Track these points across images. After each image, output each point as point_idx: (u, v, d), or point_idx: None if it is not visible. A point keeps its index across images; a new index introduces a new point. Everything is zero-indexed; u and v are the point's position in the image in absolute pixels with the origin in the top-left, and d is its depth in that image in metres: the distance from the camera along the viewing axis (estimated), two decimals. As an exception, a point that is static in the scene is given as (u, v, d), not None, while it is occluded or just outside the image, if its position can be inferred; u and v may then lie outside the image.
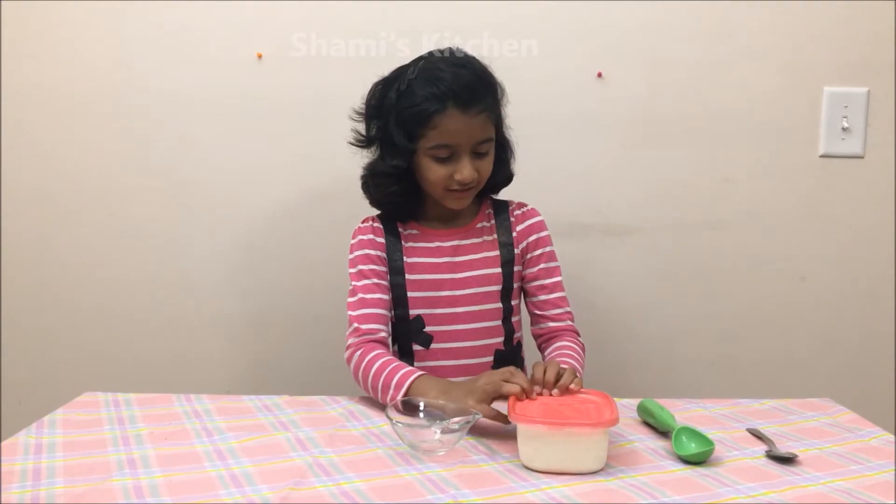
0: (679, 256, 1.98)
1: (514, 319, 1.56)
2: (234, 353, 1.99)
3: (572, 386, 1.23)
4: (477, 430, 1.25)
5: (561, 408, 1.16)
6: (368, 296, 1.47)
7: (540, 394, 1.22)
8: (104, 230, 1.94)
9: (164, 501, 0.99)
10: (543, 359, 1.53)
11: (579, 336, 1.56)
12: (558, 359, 1.44)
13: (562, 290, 1.58)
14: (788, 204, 1.96)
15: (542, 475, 1.09)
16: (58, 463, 1.11)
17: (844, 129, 1.94)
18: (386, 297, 1.50)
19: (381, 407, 1.34)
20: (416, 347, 1.52)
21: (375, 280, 1.49)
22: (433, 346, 1.51)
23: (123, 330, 1.97)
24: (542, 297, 1.57)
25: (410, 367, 1.36)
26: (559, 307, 1.57)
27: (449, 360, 1.50)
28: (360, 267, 1.51)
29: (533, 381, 1.24)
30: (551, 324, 1.56)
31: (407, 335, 1.52)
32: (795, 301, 1.99)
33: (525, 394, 1.20)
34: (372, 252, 1.51)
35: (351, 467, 1.11)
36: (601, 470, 1.10)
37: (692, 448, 1.16)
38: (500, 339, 1.54)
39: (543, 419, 1.11)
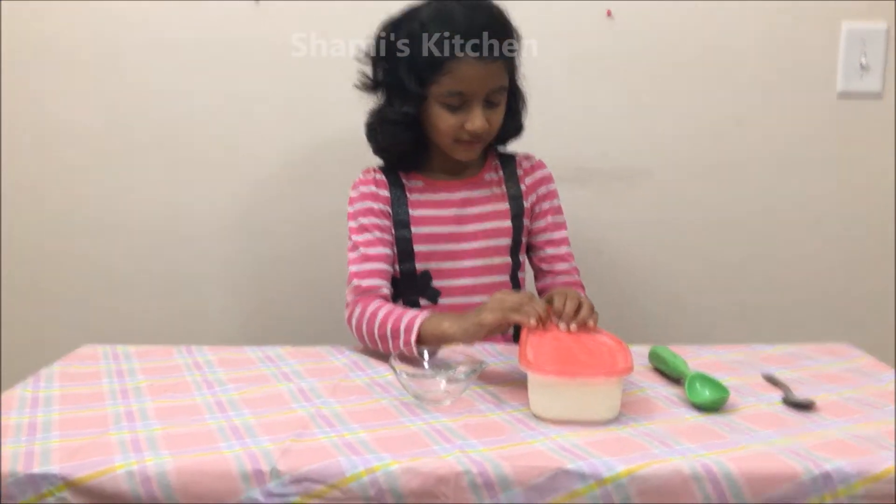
0: (689, 201, 1.93)
1: (520, 275, 1.52)
2: (236, 305, 1.96)
3: (590, 323, 1.19)
4: (484, 379, 1.21)
5: (574, 350, 1.12)
6: (370, 250, 1.42)
7: (556, 326, 1.19)
8: (103, 180, 1.90)
9: (162, 454, 0.96)
10: None
11: (584, 291, 1.52)
12: None
13: (568, 244, 1.54)
14: (804, 145, 1.90)
15: (552, 424, 1.05)
16: (54, 417, 1.09)
17: (863, 67, 1.87)
18: (388, 251, 1.43)
19: (386, 357, 1.31)
20: (423, 302, 1.47)
21: (377, 234, 1.43)
22: (441, 301, 1.46)
23: (124, 281, 1.93)
24: (550, 252, 1.53)
25: (415, 310, 1.32)
26: (566, 262, 1.53)
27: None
28: (362, 220, 1.44)
29: (551, 310, 1.20)
30: (558, 279, 1.52)
31: (413, 290, 1.47)
32: (811, 245, 1.94)
33: (541, 323, 1.17)
34: (374, 205, 1.46)
35: (355, 418, 1.08)
36: (614, 419, 1.07)
37: (706, 395, 1.12)
38: (506, 278, 1.49)
39: (556, 367, 1.07)
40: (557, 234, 1.53)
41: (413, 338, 1.27)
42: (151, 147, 1.89)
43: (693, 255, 1.95)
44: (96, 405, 1.13)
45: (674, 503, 0.92)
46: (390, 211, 1.46)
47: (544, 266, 1.53)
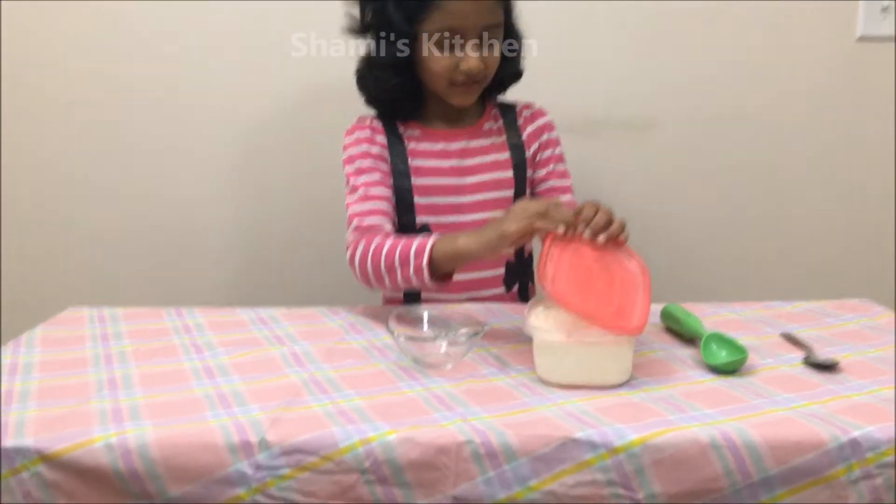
0: (702, 152, 1.85)
1: None
2: (229, 265, 1.89)
3: (621, 237, 1.11)
4: (488, 341, 1.15)
5: (594, 275, 1.05)
6: (371, 190, 1.34)
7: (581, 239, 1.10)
8: (91, 136, 1.82)
9: (144, 425, 0.90)
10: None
11: None
12: None
13: (572, 194, 1.47)
14: (821, 92, 1.82)
15: (559, 389, 0.99)
16: (32, 385, 1.02)
17: (884, 10, 1.77)
18: (390, 192, 1.36)
19: (384, 319, 1.25)
20: None
21: (377, 176, 1.36)
22: None
23: (113, 241, 1.87)
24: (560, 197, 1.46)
25: (425, 234, 1.24)
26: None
27: (457, 274, 1.39)
28: (359, 163, 1.37)
29: (579, 219, 1.10)
30: None
31: None
32: (827, 197, 1.87)
33: (570, 230, 1.09)
34: (372, 148, 1.38)
35: (350, 384, 1.01)
36: (625, 383, 1.00)
37: (723, 356, 1.06)
38: (510, 250, 1.43)
39: (572, 301, 1.00)
40: (560, 183, 1.45)
41: (425, 261, 1.19)
42: (139, 98, 1.81)
43: (704, 208, 1.88)
44: (77, 372, 1.07)
45: (691, 473, 0.85)
46: (388, 157, 1.38)
47: None
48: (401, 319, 1.13)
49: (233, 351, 1.13)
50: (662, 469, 0.85)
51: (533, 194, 1.47)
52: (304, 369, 1.07)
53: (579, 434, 0.87)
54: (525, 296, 1.45)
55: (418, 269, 1.20)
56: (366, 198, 1.34)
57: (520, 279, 1.44)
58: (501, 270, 1.41)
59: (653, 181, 1.87)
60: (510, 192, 1.41)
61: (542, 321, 1.03)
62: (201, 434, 0.88)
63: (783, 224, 1.88)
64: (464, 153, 1.40)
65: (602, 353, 0.99)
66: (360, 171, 1.36)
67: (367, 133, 1.39)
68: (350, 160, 1.38)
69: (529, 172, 1.43)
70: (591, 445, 0.86)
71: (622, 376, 1.00)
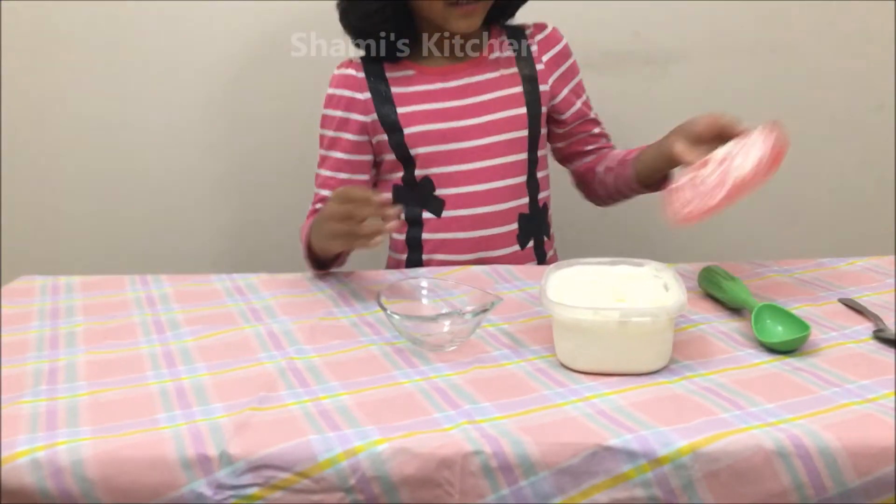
0: (733, 87, 1.66)
1: (539, 175, 1.27)
2: (205, 225, 1.72)
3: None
4: (498, 313, 0.98)
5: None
6: (329, 174, 1.25)
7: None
8: (55, 78, 1.63)
9: (82, 433, 0.74)
10: (604, 193, 1.29)
11: None
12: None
13: (601, 126, 1.32)
14: (862, 19, 1.62)
15: (584, 377, 0.83)
16: (-43, 378, 0.86)
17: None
18: (349, 175, 1.24)
19: (378, 288, 1.08)
20: (427, 216, 1.24)
21: (339, 154, 1.24)
22: (445, 213, 1.22)
23: (77, 201, 1.69)
24: (588, 133, 1.30)
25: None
26: (606, 137, 1.33)
27: (464, 232, 1.23)
28: (325, 132, 1.25)
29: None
30: (605, 150, 1.31)
31: (416, 201, 1.24)
32: (871, 134, 1.68)
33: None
34: (341, 114, 1.23)
35: (335, 372, 0.85)
36: (663, 368, 0.84)
37: (780, 333, 0.89)
38: (525, 201, 1.25)
39: None
40: (591, 115, 1.30)
41: (304, 251, 1.15)
42: (101, 37, 1.62)
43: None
44: (15, 360, 0.91)
45: (752, 488, 0.69)
46: (373, 117, 1.22)
47: (582, 148, 1.31)
48: (395, 291, 0.96)
49: (200, 330, 0.97)
50: (717, 483, 0.69)
51: (555, 134, 1.29)
52: (281, 353, 0.90)
53: (614, 441, 0.70)
54: (542, 253, 1.27)
55: (306, 258, 1.16)
56: (323, 183, 1.26)
57: (535, 234, 1.26)
58: (514, 226, 1.24)
59: (676, 119, 1.68)
60: (524, 133, 1.23)
61: (562, 294, 0.86)
62: (150, 445, 0.72)
63: (823, 163, 1.70)
64: (465, 91, 1.21)
65: (637, 332, 0.82)
66: (322, 144, 1.26)
67: (340, 90, 1.24)
68: (322, 124, 1.26)
69: (545, 109, 1.25)
70: (629, 455, 0.70)
71: (660, 361, 0.84)
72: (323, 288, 1.11)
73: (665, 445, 0.70)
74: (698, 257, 1.19)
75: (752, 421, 0.73)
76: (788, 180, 1.70)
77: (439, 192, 1.21)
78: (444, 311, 0.94)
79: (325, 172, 1.26)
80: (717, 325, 0.95)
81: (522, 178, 1.24)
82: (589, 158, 1.31)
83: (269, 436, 0.72)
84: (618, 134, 1.58)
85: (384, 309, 0.89)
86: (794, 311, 0.92)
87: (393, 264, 1.30)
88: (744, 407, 0.75)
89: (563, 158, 1.33)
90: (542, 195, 1.27)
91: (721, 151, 0.97)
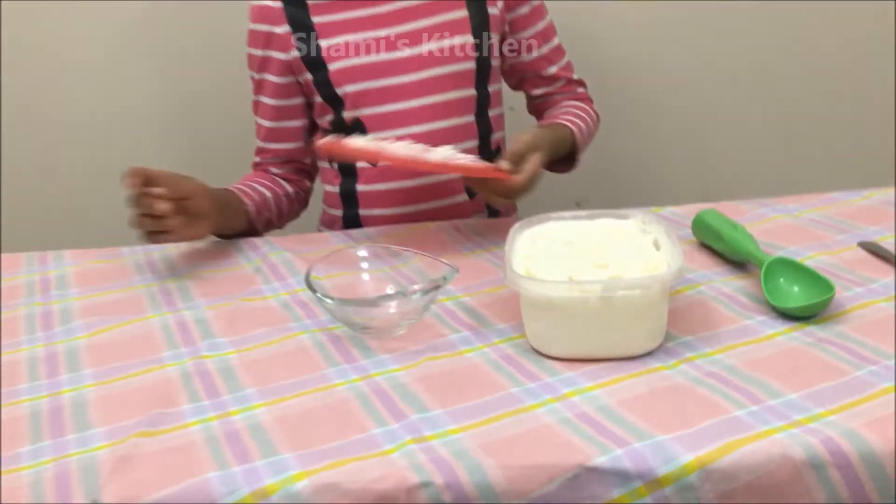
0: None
1: (492, 113, 1.09)
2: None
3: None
4: (457, 285, 0.81)
5: None
6: (261, 121, 1.11)
7: None
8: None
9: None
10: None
11: (592, 109, 1.13)
12: (556, 120, 1.07)
13: (564, 55, 1.12)
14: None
15: (560, 365, 0.67)
16: None
17: None
18: (276, 123, 1.10)
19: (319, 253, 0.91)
20: (361, 165, 1.06)
21: (266, 98, 1.09)
22: (381, 161, 1.05)
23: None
24: (543, 73, 1.11)
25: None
26: (564, 78, 1.13)
27: (403, 181, 1.05)
28: (252, 74, 1.10)
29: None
30: (557, 97, 1.13)
31: None
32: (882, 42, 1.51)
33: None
34: (261, 53, 1.07)
35: (252, 375, 0.69)
36: (656, 349, 0.68)
37: (797, 295, 0.73)
38: (474, 143, 1.07)
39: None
40: (547, 47, 1.10)
41: None
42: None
43: (738, 67, 1.51)
44: None
45: (778, 509, 0.54)
46: (293, 53, 1.04)
47: (538, 91, 1.13)
48: (330, 263, 0.79)
49: (94, 324, 0.80)
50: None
51: (512, 67, 1.11)
52: (190, 350, 0.73)
53: (600, 459, 0.55)
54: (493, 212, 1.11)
55: None
56: (257, 127, 1.12)
57: None
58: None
59: (670, 33, 1.50)
60: (471, 66, 1.04)
61: (531, 261, 0.70)
62: (4, 493, 0.56)
63: (828, 83, 1.53)
64: (398, 17, 1.02)
65: (624, 309, 0.65)
66: (257, 88, 1.10)
67: (255, 24, 1.06)
68: (249, 65, 1.10)
69: (495, 37, 1.06)
70: (621, 477, 0.54)
71: (653, 341, 0.68)
72: (252, 258, 0.94)
73: (666, 462, 0.54)
74: (686, 198, 1.03)
75: (773, 419, 0.57)
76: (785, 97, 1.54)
77: (372, 136, 1.04)
78: (387, 293, 0.77)
79: (259, 120, 1.11)
80: (718, 286, 0.79)
81: (470, 118, 1.06)
82: (543, 107, 1.15)
83: (156, 475, 0.56)
84: (589, 51, 1.40)
85: (314, 290, 0.72)
86: (809, 265, 0.76)
87: (328, 221, 1.13)
88: (761, 399, 0.60)
89: (526, 95, 1.16)
90: (496, 136, 1.09)
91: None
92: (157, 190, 0.85)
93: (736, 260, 0.83)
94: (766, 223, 0.93)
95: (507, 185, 0.89)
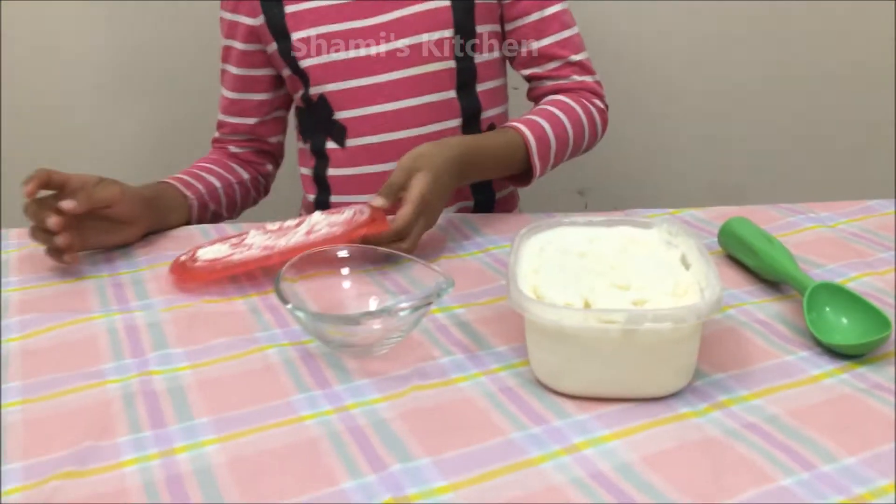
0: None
1: (481, 88, 0.97)
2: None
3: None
4: (453, 293, 0.71)
5: None
6: (224, 92, 1.02)
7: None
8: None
9: None
10: None
11: (602, 99, 0.99)
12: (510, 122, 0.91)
13: (564, 28, 0.96)
14: None
15: (571, 403, 0.57)
16: None
17: None
18: (239, 95, 1.00)
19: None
20: (331, 146, 0.96)
21: (231, 67, 1.00)
22: (350, 142, 0.95)
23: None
24: (534, 45, 0.96)
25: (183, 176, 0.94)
26: (561, 57, 0.96)
27: (373, 165, 0.95)
28: (222, 40, 1.00)
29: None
30: (549, 83, 0.98)
31: (316, 126, 0.97)
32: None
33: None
34: (230, 16, 0.98)
35: (207, 399, 0.58)
36: (683, 388, 0.58)
37: (846, 329, 0.63)
38: (456, 123, 0.96)
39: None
40: (539, 14, 0.95)
41: None
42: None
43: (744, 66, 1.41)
44: None
45: None
46: (260, 19, 0.95)
47: (530, 70, 0.98)
48: (306, 265, 0.68)
49: (30, 322, 0.69)
50: None
51: (505, 36, 0.98)
52: (138, 363, 0.63)
53: (621, 539, 0.45)
54: (487, 193, 0.99)
55: None
56: (221, 100, 1.02)
57: None
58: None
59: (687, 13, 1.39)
60: (448, 34, 0.93)
61: (539, 278, 0.60)
62: None
63: (825, 97, 1.43)
64: None
65: (650, 343, 0.55)
66: (225, 55, 1.00)
67: (230, 3, 0.96)
68: (221, 30, 1.00)
69: None
70: (645, 562, 0.44)
71: (681, 380, 0.58)
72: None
73: (701, 546, 0.44)
74: (692, 191, 0.93)
75: (829, 492, 0.48)
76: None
77: (339, 115, 0.94)
78: (371, 307, 0.67)
79: (223, 91, 1.01)
80: (751, 310, 0.69)
81: (450, 93, 0.94)
82: (539, 88, 1.00)
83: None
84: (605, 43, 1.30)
85: (284, 301, 0.61)
86: (854, 288, 0.66)
87: (307, 207, 1.03)
88: (812, 463, 0.50)
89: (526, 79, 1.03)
90: (488, 114, 0.98)
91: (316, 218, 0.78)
92: (65, 203, 0.74)
93: (768, 279, 0.73)
94: (800, 234, 0.83)
95: (391, 233, 0.74)
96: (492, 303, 0.71)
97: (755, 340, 0.64)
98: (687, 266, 0.62)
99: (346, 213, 0.77)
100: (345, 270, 0.69)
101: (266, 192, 1.07)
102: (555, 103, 0.94)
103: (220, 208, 0.97)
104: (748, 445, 0.52)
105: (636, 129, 1.41)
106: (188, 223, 0.91)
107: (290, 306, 0.61)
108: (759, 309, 0.69)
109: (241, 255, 0.75)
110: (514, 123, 0.89)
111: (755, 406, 0.56)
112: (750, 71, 1.42)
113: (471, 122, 0.96)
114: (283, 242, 0.74)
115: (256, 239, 0.78)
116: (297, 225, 0.78)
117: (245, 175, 1.01)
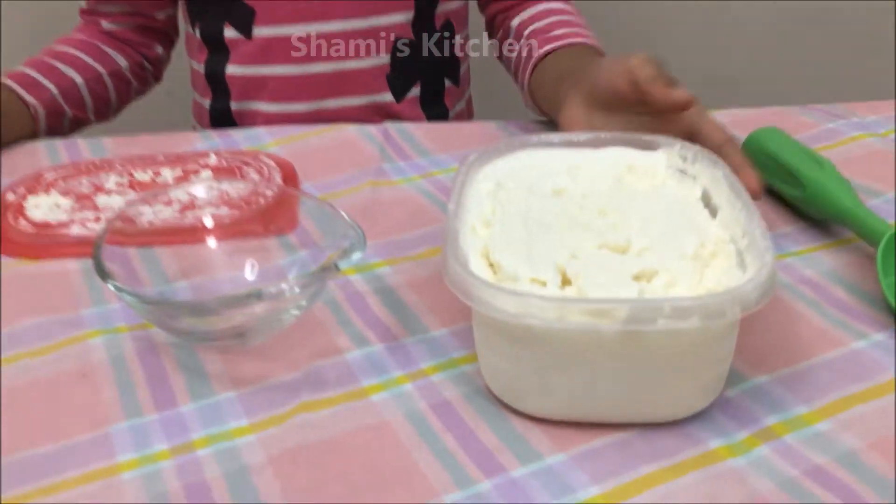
0: None
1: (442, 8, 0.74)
2: None
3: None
4: (375, 240, 0.50)
5: None
6: None
7: None
8: None
9: None
10: (506, 63, 0.74)
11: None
12: (548, 33, 0.67)
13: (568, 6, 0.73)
14: None
15: (541, 431, 0.37)
16: None
17: None
18: None
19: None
20: (231, 35, 0.72)
21: None
22: (257, 31, 0.71)
23: None
24: None
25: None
26: None
27: (290, 65, 0.72)
28: None
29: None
30: (534, 27, 0.72)
31: (208, 6, 0.73)
32: None
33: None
34: None
35: (9, 427, 0.38)
36: (710, 406, 0.38)
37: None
38: (406, 17, 0.73)
39: None
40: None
41: None
42: None
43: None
44: None
45: None
46: None
47: (501, 16, 0.75)
48: (146, 202, 0.47)
49: None
50: None
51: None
52: None
53: None
54: (439, 106, 0.77)
55: None
56: None
57: (424, 75, 0.76)
58: (383, 57, 0.73)
59: None
60: None
61: (495, 241, 0.39)
62: None
63: None
64: None
65: (667, 345, 0.35)
66: None
67: None
68: None
69: None
70: None
71: (707, 396, 0.38)
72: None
73: None
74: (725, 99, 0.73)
75: None
76: None
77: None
78: (245, 273, 0.46)
79: None
80: (796, 265, 0.48)
81: None
82: (510, 37, 0.74)
83: None
84: None
85: (102, 275, 0.40)
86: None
87: (197, 113, 0.80)
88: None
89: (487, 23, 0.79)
90: (445, 8, 0.75)
91: None
92: None
93: (817, 217, 0.52)
94: (843, 147, 0.62)
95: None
96: (430, 255, 0.50)
97: (806, 314, 0.44)
98: (713, 211, 0.42)
99: (250, 179, 0.55)
100: (209, 222, 0.48)
101: (157, 79, 0.83)
102: (556, 12, 0.71)
103: (84, 111, 0.74)
104: (795, 490, 0.33)
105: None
106: (35, 136, 0.69)
107: (112, 284, 0.39)
108: (805, 263, 0.49)
109: (81, 228, 0.53)
110: (587, 42, 0.67)
111: (821, 434, 0.36)
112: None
113: (424, 17, 0.73)
114: (145, 221, 0.50)
115: (113, 200, 0.55)
116: (179, 180, 0.56)
117: (123, 62, 0.77)
